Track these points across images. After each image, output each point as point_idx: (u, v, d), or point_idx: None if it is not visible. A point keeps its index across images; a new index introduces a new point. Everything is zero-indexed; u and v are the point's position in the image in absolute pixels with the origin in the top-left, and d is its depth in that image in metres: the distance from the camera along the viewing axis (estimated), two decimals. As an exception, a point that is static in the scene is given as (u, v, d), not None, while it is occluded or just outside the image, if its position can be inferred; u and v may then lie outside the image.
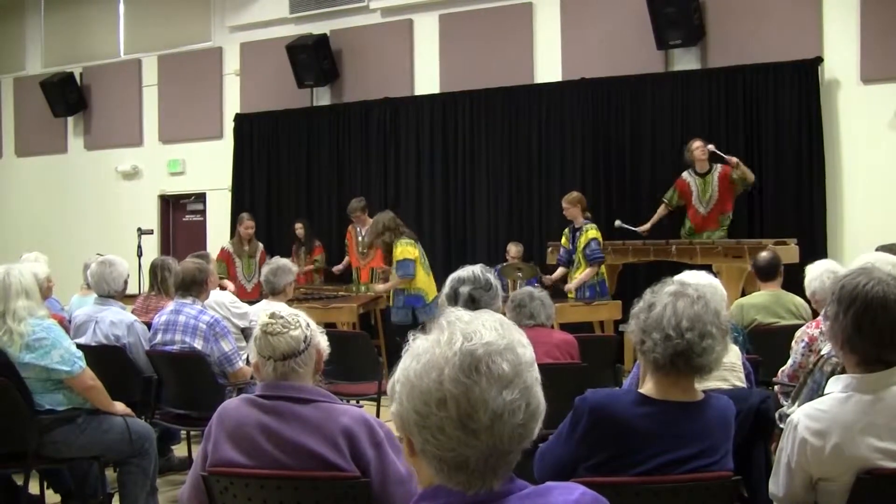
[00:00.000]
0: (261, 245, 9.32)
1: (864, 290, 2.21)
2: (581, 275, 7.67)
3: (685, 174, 8.16)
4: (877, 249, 4.70)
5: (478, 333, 1.38)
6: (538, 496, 1.41)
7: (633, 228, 8.19)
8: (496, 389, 1.34)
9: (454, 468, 1.36)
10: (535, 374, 1.41)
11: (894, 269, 3.05)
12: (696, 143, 8.00)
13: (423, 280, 7.23)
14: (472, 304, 3.59)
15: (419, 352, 1.39)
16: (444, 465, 1.37)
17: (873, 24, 8.02)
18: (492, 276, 3.77)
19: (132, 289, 7.26)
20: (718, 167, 7.98)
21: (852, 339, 2.23)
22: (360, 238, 9.10)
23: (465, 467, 1.36)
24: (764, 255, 5.65)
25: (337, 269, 9.60)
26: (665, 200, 8.26)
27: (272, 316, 2.56)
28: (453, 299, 3.66)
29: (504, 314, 3.92)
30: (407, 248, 7.18)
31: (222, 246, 9.38)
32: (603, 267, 7.70)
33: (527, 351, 1.41)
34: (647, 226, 8.20)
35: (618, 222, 8.25)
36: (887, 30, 7.95)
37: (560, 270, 7.98)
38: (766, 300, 5.37)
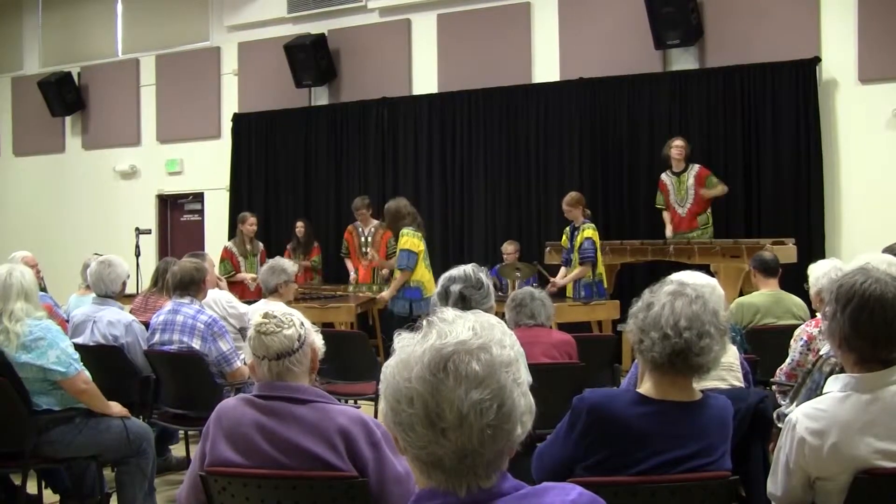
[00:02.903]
0: (261, 244, 9.31)
1: (862, 288, 2.21)
2: (572, 273, 7.66)
3: (664, 175, 8.24)
4: (884, 251, 4.70)
5: (453, 332, 1.36)
6: (534, 496, 1.39)
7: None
8: (464, 389, 1.32)
9: (430, 467, 1.36)
10: (516, 375, 1.37)
11: (892, 268, 3.06)
12: (676, 142, 8.04)
13: (424, 274, 7.22)
14: (463, 302, 3.58)
15: (399, 348, 1.40)
16: (420, 463, 1.37)
17: (871, 24, 8.03)
18: (483, 275, 3.76)
19: (130, 289, 7.26)
20: (695, 167, 8.02)
21: (849, 338, 2.23)
22: (362, 238, 9.06)
23: (440, 466, 1.35)
24: (767, 252, 5.73)
25: (354, 278, 9.15)
26: (659, 206, 8.29)
27: (265, 316, 2.57)
28: (444, 298, 3.66)
29: (500, 313, 3.92)
30: (412, 240, 7.17)
31: (225, 245, 9.31)
32: (601, 267, 7.67)
33: (506, 351, 1.37)
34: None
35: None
36: (885, 30, 7.97)
37: (562, 271, 7.92)
38: (766, 300, 5.37)
